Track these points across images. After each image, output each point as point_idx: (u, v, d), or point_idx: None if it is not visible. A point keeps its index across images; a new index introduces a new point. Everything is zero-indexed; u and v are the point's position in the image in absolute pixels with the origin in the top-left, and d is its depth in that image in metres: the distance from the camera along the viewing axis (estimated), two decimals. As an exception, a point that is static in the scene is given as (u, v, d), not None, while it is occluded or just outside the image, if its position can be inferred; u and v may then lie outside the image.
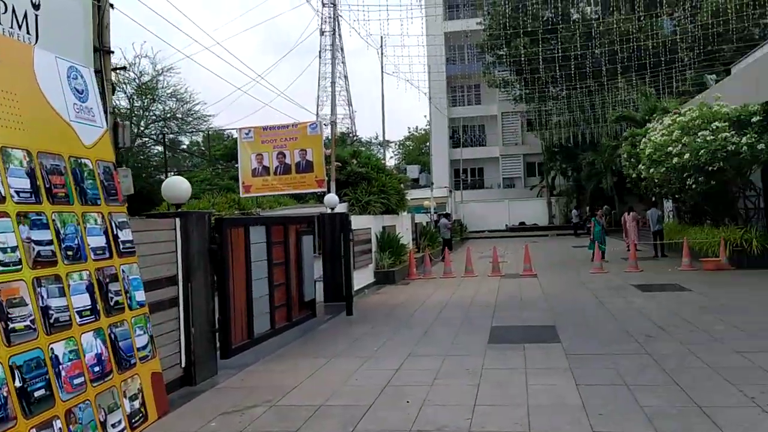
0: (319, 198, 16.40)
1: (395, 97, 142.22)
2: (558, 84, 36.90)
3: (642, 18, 32.57)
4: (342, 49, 53.15)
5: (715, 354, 7.00)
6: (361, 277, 14.61)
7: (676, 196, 19.55)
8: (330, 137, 19.74)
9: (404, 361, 7.46)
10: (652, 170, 17.06)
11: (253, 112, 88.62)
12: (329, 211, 12.93)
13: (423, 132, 66.29)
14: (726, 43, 32.77)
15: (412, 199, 30.46)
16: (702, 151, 15.03)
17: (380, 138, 54.04)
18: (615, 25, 32.65)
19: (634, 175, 19.30)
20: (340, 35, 51.09)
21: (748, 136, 14.62)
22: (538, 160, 46.64)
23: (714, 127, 15.32)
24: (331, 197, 13.15)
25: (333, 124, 18.16)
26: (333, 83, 21.95)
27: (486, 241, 33.30)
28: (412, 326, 9.97)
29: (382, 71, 34.23)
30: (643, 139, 18.33)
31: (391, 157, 72.36)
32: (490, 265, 17.85)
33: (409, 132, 72.79)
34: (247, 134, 15.39)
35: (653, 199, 22.51)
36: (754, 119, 14.97)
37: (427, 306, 12.17)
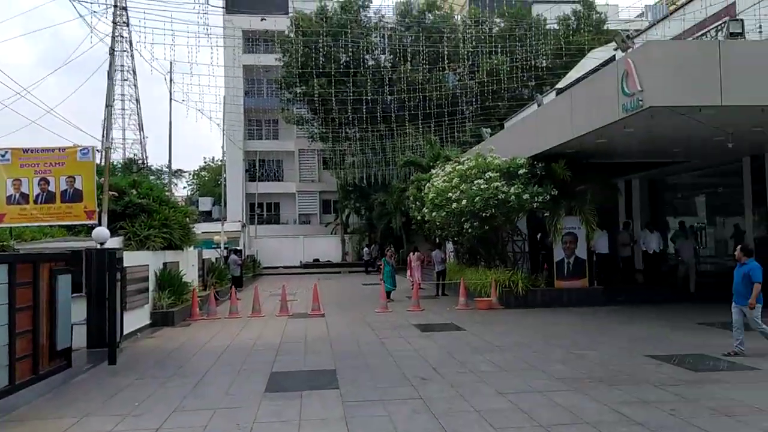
0: (90, 230, 14.78)
1: (193, 125, 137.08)
2: (353, 125, 38.13)
3: (428, 70, 35.03)
4: (134, 72, 50.05)
5: (482, 396, 7.27)
6: (135, 320, 13.32)
7: (455, 238, 20.88)
8: (118, 163, 18.04)
9: (168, 418, 6.71)
10: (434, 213, 18.03)
11: (16, 130, 79.02)
12: (98, 246, 11.61)
13: (220, 163, 64.41)
14: (500, 101, 36.49)
15: (202, 233, 29.02)
16: (477, 198, 16.20)
17: (174, 167, 51.35)
18: (405, 75, 34.69)
19: (419, 217, 20.28)
20: (131, 56, 48.11)
21: (516, 186, 16.07)
22: (334, 197, 47.54)
23: (488, 177, 16.63)
24: (100, 231, 11.84)
25: (107, 149, 16.60)
26: (108, 106, 20.22)
27: (279, 278, 32.82)
28: (186, 374, 9.17)
29: (171, 98, 32.48)
30: (428, 184, 19.38)
31: (185, 188, 69.24)
32: (279, 303, 17.42)
33: (205, 162, 70.41)
34: (2, 156, 13.43)
35: (437, 240, 23.84)
36: (521, 171, 16.51)
37: (205, 350, 11.36)
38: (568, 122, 14.23)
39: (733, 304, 9.43)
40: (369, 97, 33.61)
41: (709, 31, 17.57)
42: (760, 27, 15.34)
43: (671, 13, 20.76)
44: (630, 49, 12.07)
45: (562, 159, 15.92)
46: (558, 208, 16.47)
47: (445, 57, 31.81)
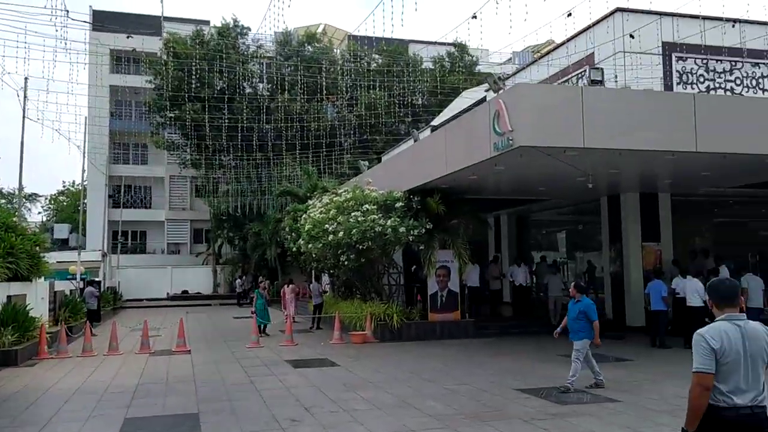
0: None
1: (51, 146, 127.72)
2: (228, 153, 37.07)
3: (307, 101, 34.92)
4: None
5: (355, 438, 6.95)
6: (-33, 361, 11.75)
7: (331, 271, 20.60)
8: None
9: (-6, 480, 5.79)
10: (310, 245, 17.66)
11: None
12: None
13: (80, 187, 60.19)
14: (378, 134, 37.06)
15: (57, 262, 26.71)
16: (354, 231, 16.06)
17: (26, 190, 47.27)
18: (283, 104, 34.34)
19: (294, 249, 19.81)
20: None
21: (392, 219, 16.12)
22: (206, 226, 45.72)
23: (365, 209, 16.57)
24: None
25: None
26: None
27: (144, 311, 30.78)
28: (25, 423, 8.10)
29: (24, 115, 29.93)
30: (304, 215, 19.02)
31: (40, 213, 63.99)
32: (140, 339, 16.17)
33: (64, 186, 65.55)
34: None
35: (313, 272, 23.44)
36: (397, 205, 16.61)
37: (51, 394, 10.19)
38: (443, 158, 14.52)
39: (572, 340, 9.67)
40: (245, 125, 32.83)
41: (571, 78, 18.80)
42: (616, 76, 16.60)
43: (537, 60, 22.08)
44: (501, 91, 12.57)
45: (437, 194, 16.22)
46: (432, 241, 16.70)
47: (323, 89, 31.87)
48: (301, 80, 31.54)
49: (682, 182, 16.24)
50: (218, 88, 36.50)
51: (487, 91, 21.18)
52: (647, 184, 16.65)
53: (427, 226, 16.25)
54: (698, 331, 3.54)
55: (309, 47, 41.97)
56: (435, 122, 28.09)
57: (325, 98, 35.56)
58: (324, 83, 34.23)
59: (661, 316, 14.69)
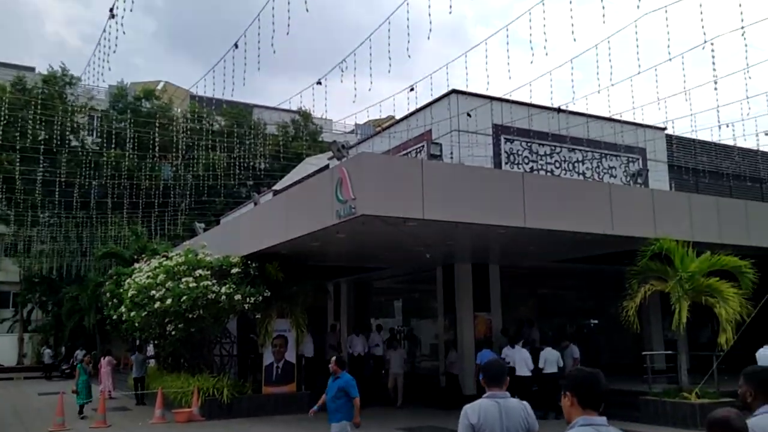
0: None
1: None
2: (45, 209, 33.68)
3: (140, 158, 33.00)
4: None
5: None
6: None
7: (156, 341, 18.98)
8: None
9: None
10: (133, 313, 16.13)
11: None
12: None
13: None
14: (217, 196, 35.81)
15: None
16: (184, 298, 14.94)
17: None
18: (112, 160, 32.12)
19: (115, 316, 18.02)
20: None
21: (228, 286, 15.24)
22: (15, 289, 40.75)
23: (198, 275, 15.54)
24: None
25: None
26: None
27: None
28: None
29: None
30: (129, 280, 17.45)
31: None
32: None
33: None
34: None
35: (137, 342, 21.45)
36: (234, 270, 15.78)
37: None
38: (284, 223, 14.12)
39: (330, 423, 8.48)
40: (66, 179, 30.05)
41: (410, 151, 19.48)
42: (452, 152, 17.44)
43: (379, 132, 22.74)
44: (345, 159, 12.57)
45: (277, 260, 15.69)
46: (270, 309, 16.01)
47: (157, 146, 30.28)
48: (134, 135, 29.73)
49: (511, 255, 17.17)
50: (40, 138, 33.41)
51: (330, 159, 21.32)
52: (480, 256, 17.39)
53: (265, 294, 15.56)
54: (464, 406, 3.92)
55: (146, 103, 40.18)
56: (277, 187, 27.71)
57: (161, 156, 33.86)
58: (160, 141, 32.64)
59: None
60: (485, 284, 18.14)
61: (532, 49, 10.05)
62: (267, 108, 43.24)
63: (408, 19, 9.78)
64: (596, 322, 22.46)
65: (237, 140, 33.67)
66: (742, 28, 9.38)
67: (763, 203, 17.81)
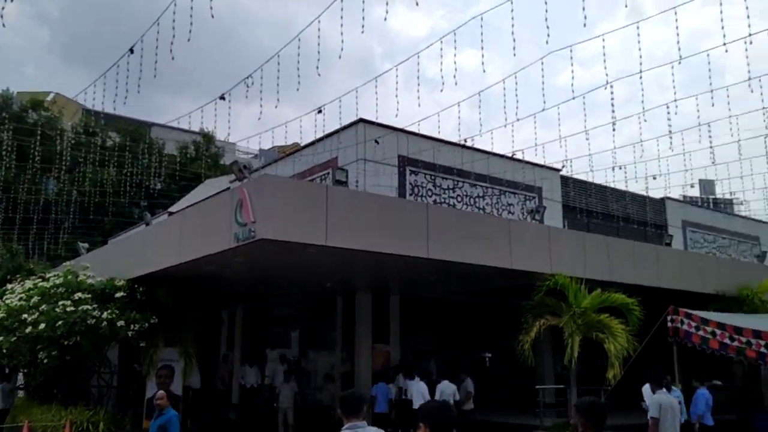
0: None
1: None
2: None
3: (19, 171, 30.59)
4: None
5: None
6: None
7: (26, 369, 17.30)
8: None
9: None
10: (1, 338, 14.60)
11: None
12: None
13: None
14: (106, 215, 33.77)
15: None
16: (60, 323, 13.67)
17: None
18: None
19: (-20, 342, 16.25)
20: None
21: (110, 311, 14.13)
22: None
23: (77, 298, 14.31)
24: None
25: None
26: None
27: None
28: None
29: None
30: (-2, 301, 15.84)
31: None
32: None
33: None
34: None
35: (5, 370, 19.47)
36: (118, 294, 14.68)
37: None
38: (177, 246, 13.33)
39: None
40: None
41: (315, 178, 19.17)
42: (357, 181, 17.29)
43: (284, 157, 22.29)
44: (246, 180, 12.05)
45: (168, 284, 14.76)
46: (157, 337, 14.97)
47: (38, 158, 28.16)
48: (13, 147, 27.49)
49: (412, 286, 17.14)
50: None
51: (231, 182, 20.62)
52: (381, 286, 17.23)
53: (152, 320, 14.55)
54: None
55: (33, 114, 37.63)
56: (173, 209, 26.46)
57: (43, 169, 31.55)
58: (45, 153, 30.44)
59: (384, 418, 14.82)
60: (385, 315, 17.98)
61: (443, 83, 10.11)
62: (166, 127, 41.63)
63: (319, 44, 9.62)
64: (490, 355, 22.80)
65: (131, 157, 32.00)
66: (640, 72, 9.87)
67: (648, 244, 18.84)
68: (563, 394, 15.97)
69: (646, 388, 12.66)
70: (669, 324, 13.80)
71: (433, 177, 19.34)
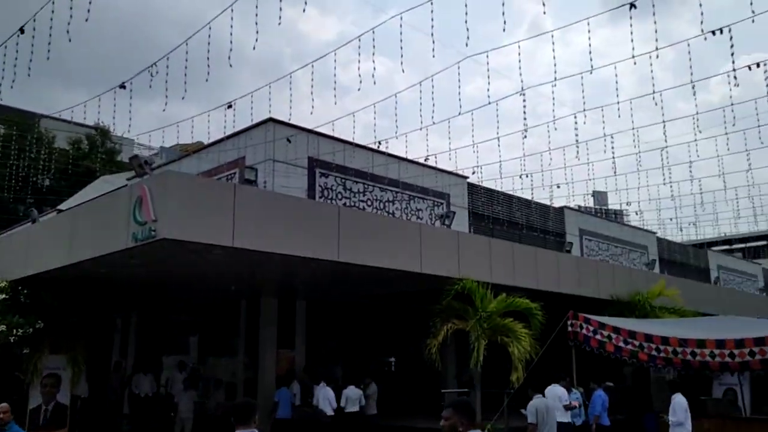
0: None
1: None
2: None
3: None
4: None
5: None
6: None
7: None
8: None
9: None
10: None
11: None
12: None
13: None
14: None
15: None
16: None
17: None
18: None
19: None
20: None
21: (-11, 315, 12.93)
22: None
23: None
24: None
25: None
26: None
27: None
28: None
29: None
30: None
31: None
32: None
33: None
34: None
35: None
36: (0, 297, 13.47)
37: None
38: (67, 245, 12.35)
39: None
40: None
41: (222, 177, 18.46)
42: (265, 182, 16.80)
43: (189, 154, 21.35)
44: (147, 176, 11.34)
45: (55, 286, 13.67)
46: (42, 343, 13.83)
47: None
48: None
49: (321, 289, 16.83)
50: None
51: (130, 179, 19.51)
52: (288, 290, 16.81)
53: (37, 325, 13.42)
54: None
55: None
56: (63, 206, 24.72)
57: None
58: None
59: (286, 424, 14.49)
60: (291, 319, 17.56)
61: (360, 85, 9.94)
62: (57, 119, 39.05)
63: (232, 43, 9.22)
64: (394, 359, 22.85)
65: (16, 150, 29.66)
66: (554, 81, 10.13)
67: (549, 251, 19.51)
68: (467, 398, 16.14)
69: (548, 390, 13.00)
70: (569, 328, 14.28)
71: (343, 180, 19.13)
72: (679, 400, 11.81)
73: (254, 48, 8.85)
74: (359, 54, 10.37)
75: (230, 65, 8.79)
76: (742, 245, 55.79)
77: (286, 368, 17.22)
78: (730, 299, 24.92)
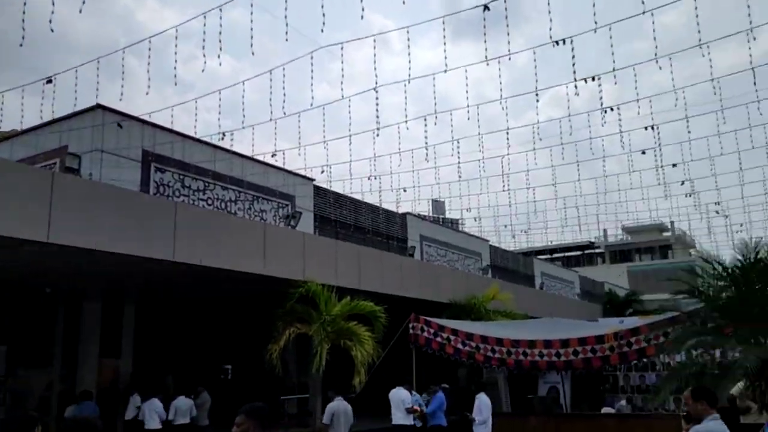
0: None
1: None
2: None
3: None
4: None
5: None
6: None
7: None
8: None
9: None
10: None
11: None
12: None
13: None
14: None
15: None
16: None
17: None
18: None
19: None
20: None
21: None
22: None
23: None
24: None
25: None
26: None
27: None
28: None
29: None
30: None
31: None
32: None
33: None
34: None
35: None
36: None
37: None
38: None
39: None
40: None
41: (41, 167, 16.47)
42: (91, 174, 15.20)
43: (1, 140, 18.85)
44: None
45: None
46: None
47: None
48: None
49: (154, 292, 15.59)
50: None
51: None
52: (114, 292, 15.38)
53: None
54: None
55: None
56: None
57: None
58: None
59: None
60: (117, 325, 16.07)
61: (202, 84, 9.18)
62: None
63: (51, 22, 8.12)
64: (230, 367, 21.86)
65: None
66: (408, 80, 10.07)
67: (394, 254, 19.74)
68: (306, 404, 15.78)
69: (392, 393, 12.99)
70: (410, 331, 14.42)
71: (182, 176, 17.92)
72: (483, 400, 12.29)
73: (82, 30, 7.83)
74: (203, 48, 9.63)
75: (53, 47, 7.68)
76: (561, 254, 60.93)
77: (109, 379, 15.72)
78: (553, 303, 26.92)
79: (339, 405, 10.00)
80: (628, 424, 13.59)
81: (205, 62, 10.35)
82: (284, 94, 9.75)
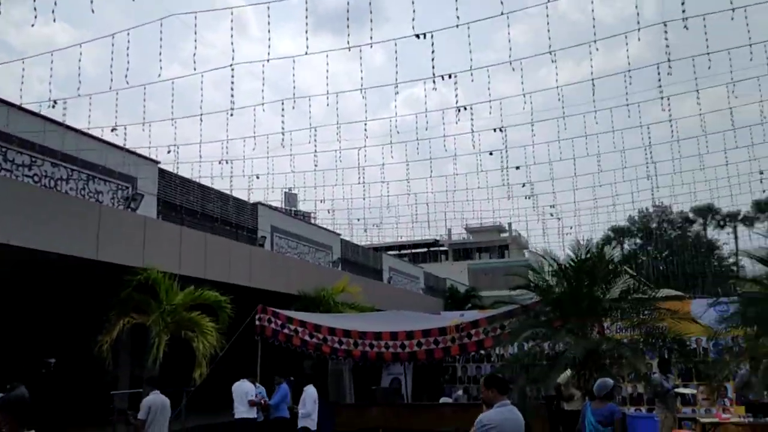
0: None
1: None
2: None
3: None
4: None
5: None
6: None
7: None
8: None
9: None
10: None
11: None
12: None
13: None
14: None
15: None
16: None
17: None
18: None
19: None
20: None
21: None
22: None
23: None
24: None
25: None
26: None
27: None
28: None
29: None
30: None
31: None
32: None
33: None
34: None
35: None
36: None
37: None
38: None
39: None
40: None
41: None
42: None
43: None
44: None
45: None
46: None
47: None
48: None
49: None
50: None
51: None
52: None
53: None
54: None
55: None
56: None
57: None
58: None
59: None
60: None
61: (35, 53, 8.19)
62: None
63: None
64: (53, 360, 19.99)
65: None
66: (267, 59, 9.65)
67: (243, 244, 19.08)
68: (140, 399, 14.75)
69: (236, 386, 12.54)
70: (257, 322, 14.02)
71: (3, 149, 16.06)
72: (310, 392, 12.27)
73: None
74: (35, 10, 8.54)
75: None
76: (409, 251, 62.96)
77: None
78: (400, 297, 27.60)
79: (156, 398, 9.40)
80: (463, 413, 14.19)
81: (33, 25, 9.18)
82: (128, 62, 8.97)
